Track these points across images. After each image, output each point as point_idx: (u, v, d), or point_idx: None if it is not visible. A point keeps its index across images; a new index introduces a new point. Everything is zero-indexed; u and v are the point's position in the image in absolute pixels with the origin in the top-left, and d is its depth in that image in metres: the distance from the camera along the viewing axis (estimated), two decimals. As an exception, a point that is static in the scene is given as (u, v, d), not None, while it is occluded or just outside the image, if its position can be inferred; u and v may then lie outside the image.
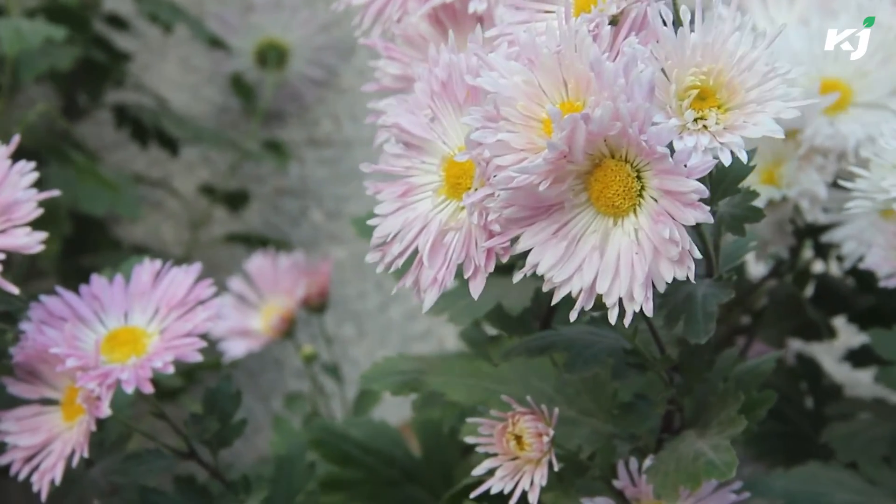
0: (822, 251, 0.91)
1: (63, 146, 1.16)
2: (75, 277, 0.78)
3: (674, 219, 0.54)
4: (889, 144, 0.68)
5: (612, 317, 0.55)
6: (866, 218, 0.82)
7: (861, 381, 1.06)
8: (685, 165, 0.53)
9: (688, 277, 0.54)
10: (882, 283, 0.77)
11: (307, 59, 1.34)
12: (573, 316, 0.56)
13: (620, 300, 0.55)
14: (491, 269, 0.57)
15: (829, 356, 1.09)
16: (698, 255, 0.54)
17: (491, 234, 0.57)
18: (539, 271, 0.56)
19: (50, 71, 1.14)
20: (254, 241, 1.29)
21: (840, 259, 0.91)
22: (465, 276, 0.58)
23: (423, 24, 0.70)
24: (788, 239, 0.88)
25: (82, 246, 1.25)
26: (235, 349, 1.10)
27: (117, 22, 1.31)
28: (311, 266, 1.12)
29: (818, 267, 0.97)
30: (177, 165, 1.37)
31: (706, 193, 0.53)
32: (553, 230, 0.56)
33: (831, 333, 0.95)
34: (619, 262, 0.55)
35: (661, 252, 0.54)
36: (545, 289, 0.57)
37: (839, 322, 0.97)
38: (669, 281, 0.54)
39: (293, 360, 1.31)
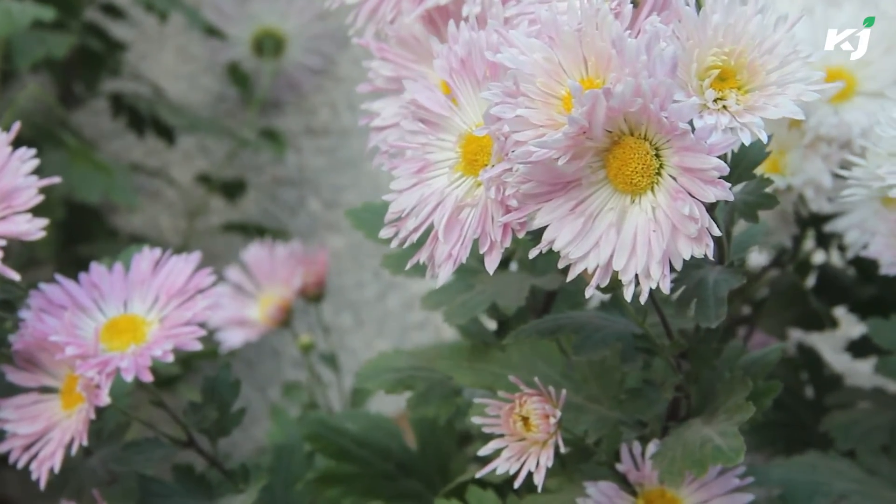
0: (824, 241, 0.91)
1: (57, 131, 1.15)
2: (72, 267, 0.77)
3: (693, 196, 0.54)
4: (885, 132, 0.69)
5: (628, 294, 0.55)
6: (869, 207, 0.82)
7: (860, 371, 1.06)
8: (706, 142, 0.53)
9: (700, 262, 0.54)
10: (884, 271, 0.77)
11: (304, 48, 1.33)
12: (588, 293, 0.56)
13: (637, 278, 0.55)
14: (507, 244, 0.58)
15: (827, 346, 1.09)
16: (717, 231, 0.54)
17: (508, 210, 0.57)
18: (555, 247, 0.56)
19: (46, 59, 1.13)
20: (251, 231, 1.29)
21: (842, 249, 0.91)
22: (481, 251, 0.58)
23: (417, 25, 0.70)
24: (791, 228, 0.87)
25: (79, 235, 1.24)
26: (233, 339, 1.09)
27: (112, 10, 1.31)
28: (309, 255, 1.11)
29: (819, 257, 0.97)
30: (174, 155, 1.36)
31: (727, 170, 0.53)
32: (570, 206, 0.56)
33: (833, 323, 0.95)
34: (635, 240, 0.55)
35: (680, 229, 0.54)
36: (560, 265, 0.57)
37: (839, 312, 0.97)
38: (687, 258, 0.54)
39: (290, 349, 1.31)
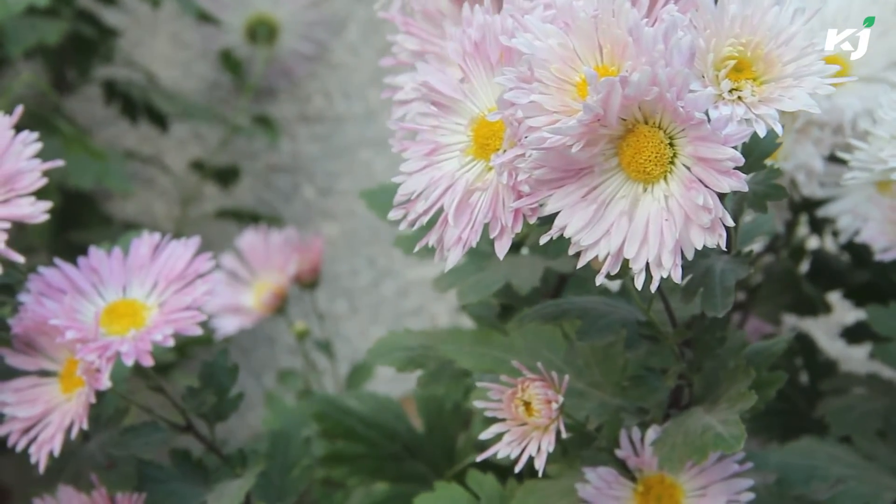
0: (818, 226, 0.91)
1: (51, 117, 1.15)
2: (66, 253, 0.77)
3: (707, 186, 0.54)
4: (888, 115, 0.69)
5: (639, 282, 0.55)
6: (862, 192, 0.82)
7: (854, 357, 1.07)
8: (721, 133, 0.53)
9: (707, 251, 0.54)
10: (878, 257, 0.77)
11: (298, 35, 1.33)
12: (599, 280, 0.56)
13: (647, 266, 0.55)
14: (518, 229, 0.58)
15: (821, 331, 1.09)
16: (731, 222, 0.54)
17: (519, 195, 0.57)
18: (566, 234, 0.56)
19: (38, 46, 1.13)
20: (245, 218, 1.29)
21: (835, 234, 0.91)
22: (492, 236, 0.58)
23: (443, 0, 0.70)
24: (784, 214, 0.88)
25: (73, 222, 1.24)
26: (227, 326, 1.09)
27: (105, -4, 1.30)
28: (303, 242, 1.11)
29: (813, 242, 0.97)
30: (168, 142, 1.36)
31: (742, 161, 0.53)
32: (582, 193, 0.56)
33: (826, 309, 0.95)
34: (647, 228, 0.55)
35: (693, 219, 0.54)
36: (571, 252, 0.57)
37: (833, 297, 0.97)
38: (700, 248, 0.54)
39: (285, 336, 1.31)
